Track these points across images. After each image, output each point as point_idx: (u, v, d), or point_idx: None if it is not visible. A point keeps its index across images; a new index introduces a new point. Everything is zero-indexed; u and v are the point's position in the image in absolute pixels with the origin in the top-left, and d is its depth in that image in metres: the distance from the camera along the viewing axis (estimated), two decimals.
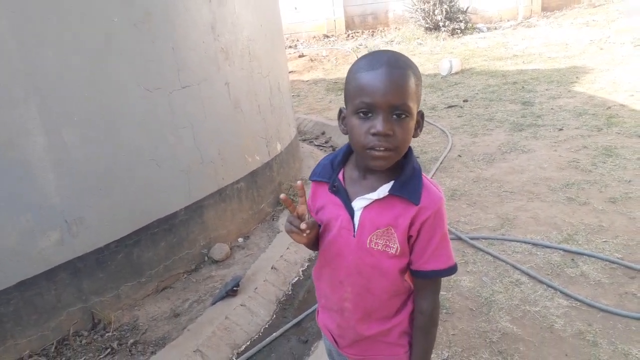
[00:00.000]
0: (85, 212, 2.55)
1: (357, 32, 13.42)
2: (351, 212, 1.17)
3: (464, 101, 6.69)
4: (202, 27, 3.08)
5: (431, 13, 11.54)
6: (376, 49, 1.10)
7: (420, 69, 8.97)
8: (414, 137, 1.12)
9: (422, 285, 1.22)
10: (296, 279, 3.10)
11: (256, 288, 2.87)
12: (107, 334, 2.59)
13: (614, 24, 9.26)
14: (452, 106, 6.53)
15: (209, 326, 2.57)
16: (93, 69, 2.54)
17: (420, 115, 1.13)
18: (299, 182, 1.13)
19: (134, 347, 2.49)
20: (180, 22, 2.94)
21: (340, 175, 1.20)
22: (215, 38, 3.19)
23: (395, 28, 13.04)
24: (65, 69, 2.42)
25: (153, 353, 2.43)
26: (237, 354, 2.48)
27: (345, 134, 1.14)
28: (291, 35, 13.74)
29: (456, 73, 8.25)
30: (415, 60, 9.71)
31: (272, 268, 3.06)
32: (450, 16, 11.46)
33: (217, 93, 3.23)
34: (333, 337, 1.35)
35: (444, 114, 6.28)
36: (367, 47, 11.62)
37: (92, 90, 2.54)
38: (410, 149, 1.16)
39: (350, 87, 1.09)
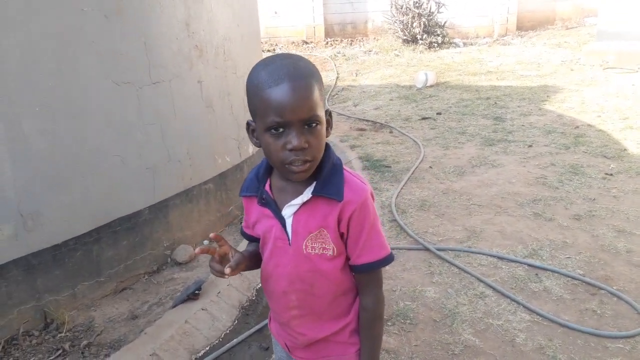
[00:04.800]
0: (42, 207, 2.45)
1: (336, 40, 13.46)
2: (282, 221, 1.18)
3: (437, 114, 6.75)
4: (176, 22, 3.01)
5: (409, 26, 11.64)
6: (279, 53, 1.11)
7: (397, 80, 9.05)
8: (326, 136, 1.13)
9: (362, 280, 1.23)
10: (260, 284, 3.04)
11: (219, 292, 2.80)
12: (59, 335, 2.48)
13: (585, 47, 9.50)
14: (426, 118, 6.59)
15: (168, 330, 2.49)
16: (60, 59, 2.45)
17: (329, 114, 1.15)
18: (212, 235, 1.16)
19: (87, 349, 2.39)
20: (154, 16, 2.87)
21: (267, 187, 1.21)
22: (190, 35, 3.13)
23: (374, 38, 13.11)
24: (30, 57, 2.33)
25: (107, 356, 2.34)
26: (196, 359, 2.41)
27: (258, 147, 1.14)
28: (270, 39, 13.69)
29: (431, 86, 8.33)
30: (391, 71, 9.86)
31: None
32: (428, 30, 11.58)
33: (188, 91, 3.16)
34: (285, 343, 1.34)
35: (418, 125, 6.33)
36: (345, 55, 11.67)
37: (57, 80, 2.45)
38: (328, 145, 1.17)
39: (257, 103, 1.08)
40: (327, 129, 1.14)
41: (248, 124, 1.16)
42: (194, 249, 3.22)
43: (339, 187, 1.13)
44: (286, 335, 1.31)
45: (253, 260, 1.29)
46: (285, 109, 1.02)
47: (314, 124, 1.06)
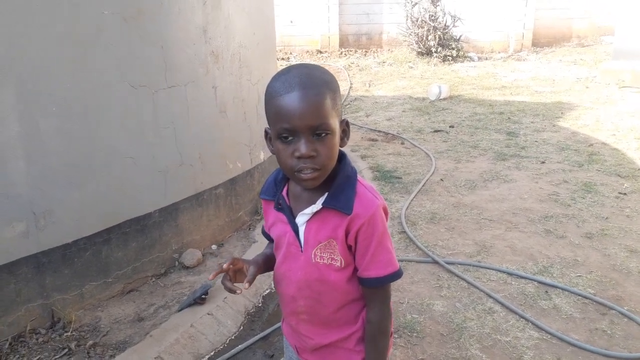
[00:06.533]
0: (54, 205, 2.46)
1: (351, 51, 13.51)
2: (295, 228, 1.19)
3: (450, 127, 6.73)
4: (194, 27, 3.04)
5: (424, 38, 11.66)
6: (294, 63, 1.13)
7: (410, 92, 9.04)
8: (340, 146, 1.13)
9: (369, 293, 1.22)
10: (268, 291, 3.03)
11: (225, 297, 2.79)
12: (65, 334, 2.49)
13: (601, 65, 9.45)
14: (438, 131, 6.57)
15: (173, 333, 2.49)
16: (78, 60, 2.48)
17: (345, 123, 1.15)
18: (224, 266, 1.18)
19: (92, 349, 2.39)
20: (172, 21, 2.90)
21: (284, 192, 1.22)
22: (207, 40, 3.15)
23: (388, 50, 13.15)
24: (49, 57, 2.37)
25: (112, 357, 2.34)
26: None
27: (274, 154, 1.16)
28: (285, 47, 13.78)
29: (444, 99, 8.32)
30: (405, 83, 9.86)
31: None
32: (443, 43, 11.60)
33: (203, 96, 3.18)
34: (294, 344, 1.37)
35: (430, 137, 6.31)
36: (358, 65, 11.70)
37: (74, 81, 2.48)
38: (344, 155, 1.18)
39: (269, 111, 1.10)
40: (342, 139, 1.15)
41: (266, 131, 1.18)
42: (202, 255, 3.22)
43: (349, 200, 1.13)
44: (295, 336, 1.33)
45: (268, 263, 1.32)
46: (294, 116, 1.04)
47: (323, 133, 1.07)
